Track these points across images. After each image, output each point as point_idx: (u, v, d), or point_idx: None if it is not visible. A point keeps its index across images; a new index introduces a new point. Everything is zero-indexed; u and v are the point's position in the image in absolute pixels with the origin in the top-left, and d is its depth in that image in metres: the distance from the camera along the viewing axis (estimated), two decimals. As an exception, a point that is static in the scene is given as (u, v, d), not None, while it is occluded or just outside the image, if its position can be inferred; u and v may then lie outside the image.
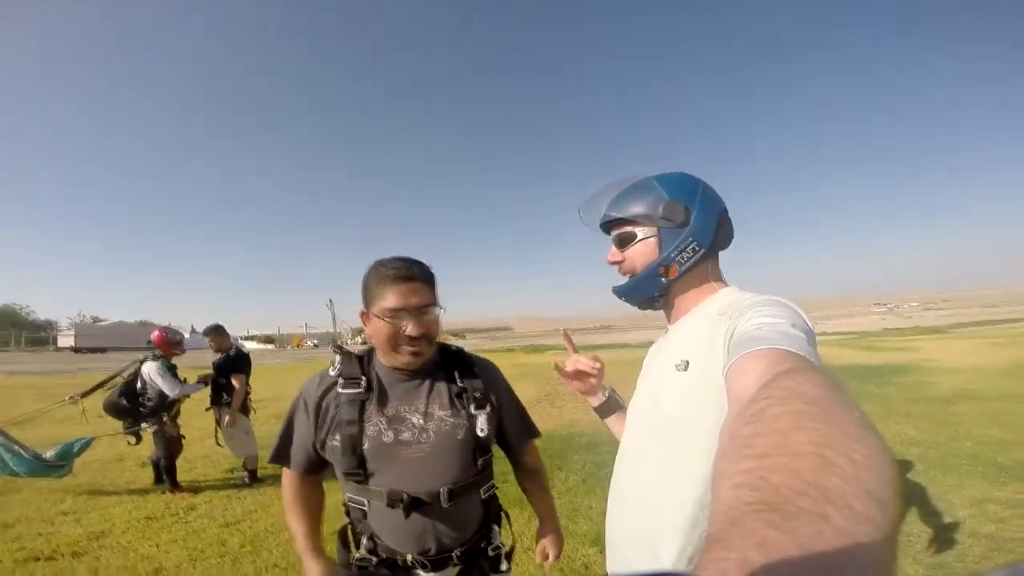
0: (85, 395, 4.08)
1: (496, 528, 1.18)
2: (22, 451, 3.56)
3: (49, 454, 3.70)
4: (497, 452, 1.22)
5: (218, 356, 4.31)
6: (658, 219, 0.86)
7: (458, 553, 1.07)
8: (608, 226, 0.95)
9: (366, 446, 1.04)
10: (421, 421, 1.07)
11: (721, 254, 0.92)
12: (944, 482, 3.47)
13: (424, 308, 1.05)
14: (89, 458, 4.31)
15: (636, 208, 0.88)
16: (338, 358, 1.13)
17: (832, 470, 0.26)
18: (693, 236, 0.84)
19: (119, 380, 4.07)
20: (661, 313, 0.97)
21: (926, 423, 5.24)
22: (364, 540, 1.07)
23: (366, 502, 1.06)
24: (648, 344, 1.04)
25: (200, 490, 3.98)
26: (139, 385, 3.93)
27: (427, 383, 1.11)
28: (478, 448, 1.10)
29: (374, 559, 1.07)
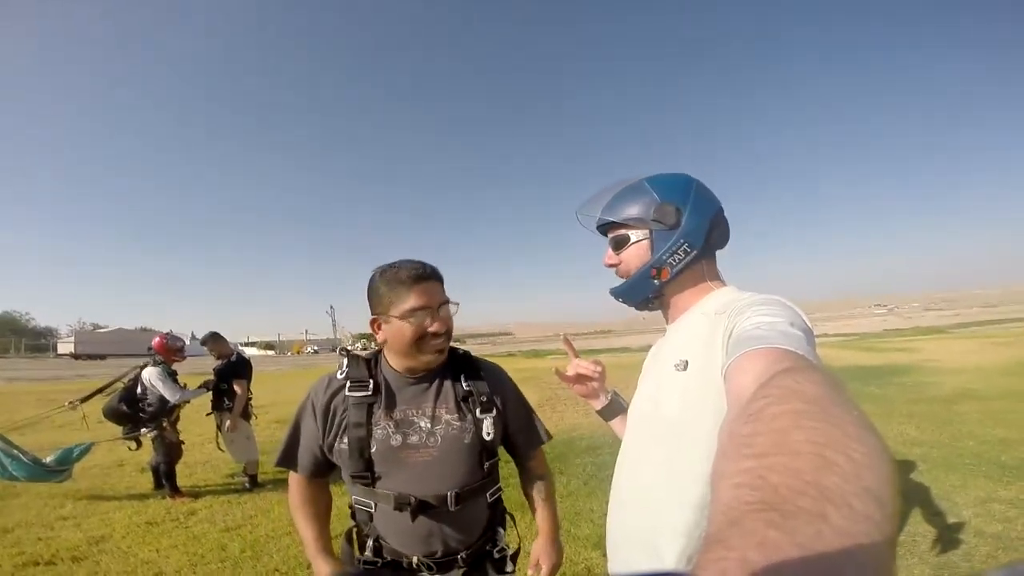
0: (84, 400, 4.08)
1: (501, 531, 1.18)
2: (21, 456, 3.55)
3: (49, 459, 3.69)
4: (503, 455, 1.22)
5: (219, 362, 4.32)
6: (650, 221, 0.86)
7: (464, 556, 1.08)
8: (604, 229, 0.95)
9: (374, 449, 1.04)
10: (428, 425, 1.07)
11: (720, 254, 0.92)
12: (947, 482, 3.45)
13: (444, 304, 1.08)
14: (89, 463, 4.29)
15: (629, 211, 0.88)
16: (345, 361, 1.14)
17: (831, 469, 0.26)
18: (685, 237, 0.84)
19: (119, 385, 4.08)
20: (662, 317, 0.97)
21: (928, 423, 5.23)
22: (370, 542, 1.07)
23: (373, 505, 1.06)
24: (648, 348, 1.04)
25: (200, 495, 3.97)
26: (139, 390, 3.93)
27: (434, 387, 1.12)
28: (485, 452, 1.10)
29: (379, 561, 1.07)
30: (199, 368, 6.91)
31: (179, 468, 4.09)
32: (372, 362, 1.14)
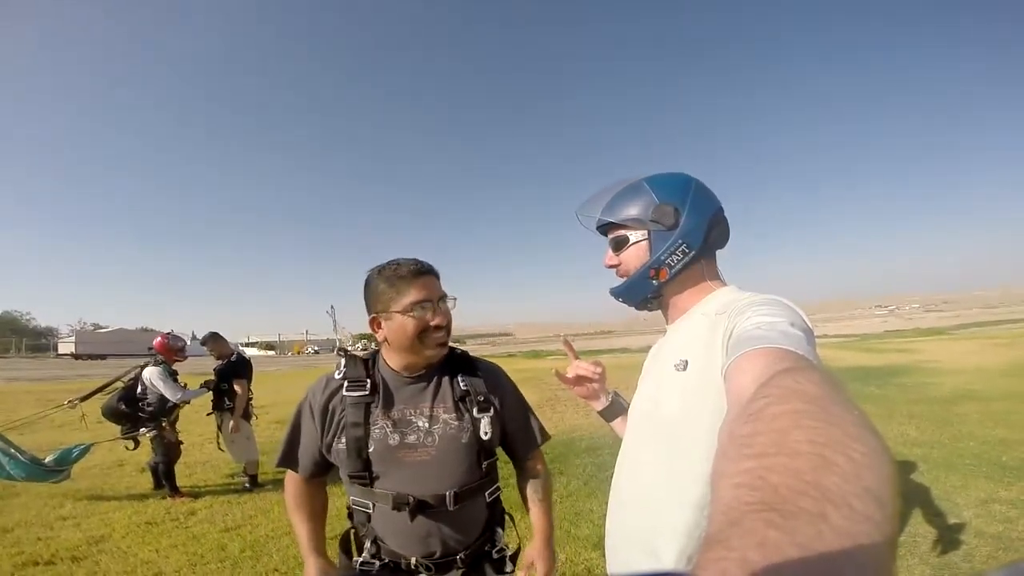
0: (84, 399, 4.08)
1: (500, 531, 1.18)
2: (20, 455, 3.54)
3: (48, 459, 3.69)
4: (501, 455, 1.22)
5: (219, 362, 4.32)
6: (648, 222, 0.86)
7: (463, 556, 1.07)
8: (604, 229, 0.95)
9: (372, 449, 1.04)
10: (426, 424, 1.07)
11: (720, 254, 0.92)
12: (948, 483, 3.45)
13: (444, 298, 1.10)
14: (88, 463, 4.30)
15: (628, 211, 0.88)
16: (343, 361, 1.14)
17: (831, 469, 0.26)
18: (683, 238, 0.84)
19: (118, 385, 4.08)
20: (662, 317, 0.97)
21: (928, 424, 5.23)
22: (368, 543, 1.07)
23: (371, 505, 1.06)
24: (648, 348, 1.04)
25: (200, 495, 3.97)
26: (139, 390, 3.93)
27: (432, 386, 1.12)
28: (482, 451, 1.10)
29: (377, 563, 1.06)
30: (199, 368, 6.91)
31: (179, 468, 4.10)
32: (370, 362, 1.14)
